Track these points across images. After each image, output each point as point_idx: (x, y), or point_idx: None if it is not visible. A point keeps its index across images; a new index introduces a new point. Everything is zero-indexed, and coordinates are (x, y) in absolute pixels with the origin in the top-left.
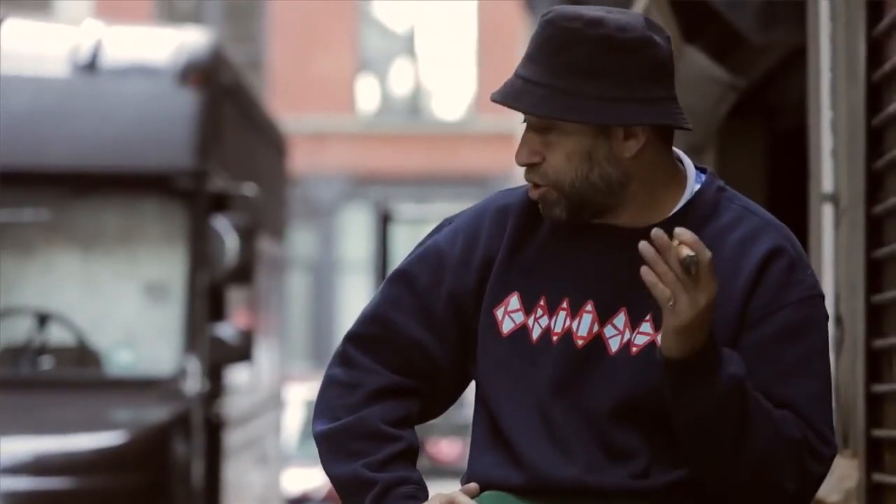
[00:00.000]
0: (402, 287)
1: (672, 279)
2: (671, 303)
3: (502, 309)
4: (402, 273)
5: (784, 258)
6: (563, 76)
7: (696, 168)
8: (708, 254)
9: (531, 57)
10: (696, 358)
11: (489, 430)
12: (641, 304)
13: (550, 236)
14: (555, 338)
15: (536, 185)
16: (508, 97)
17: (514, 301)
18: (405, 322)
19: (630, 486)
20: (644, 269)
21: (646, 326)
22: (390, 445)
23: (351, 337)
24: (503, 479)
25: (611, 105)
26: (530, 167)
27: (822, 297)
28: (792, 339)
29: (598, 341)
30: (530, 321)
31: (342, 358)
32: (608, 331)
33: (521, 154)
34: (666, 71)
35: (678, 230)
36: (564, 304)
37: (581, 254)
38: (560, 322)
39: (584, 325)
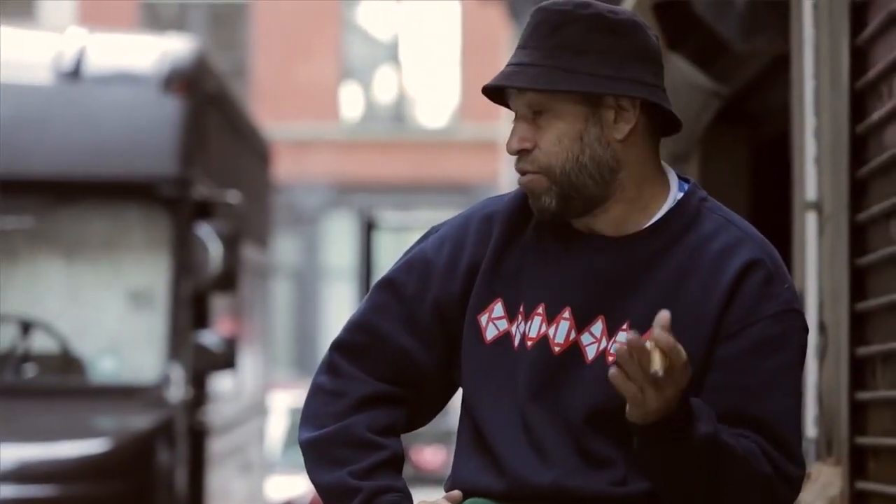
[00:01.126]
0: (388, 295)
1: (640, 378)
2: (638, 397)
3: (486, 315)
4: (388, 281)
5: (761, 271)
6: (555, 55)
7: (679, 178)
8: (683, 356)
9: (522, 45)
10: (664, 423)
11: (472, 437)
12: (619, 313)
13: (534, 243)
14: (529, 343)
15: (525, 174)
16: (499, 79)
17: (498, 308)
18: (392, 330)
19: (609, 492)
20: (612, 372)
21: (623, 336)
22: (376, 453)
23: (337, 345)
24: (485, 486)
25: (603, 80)
26: (521, 155)
27: (798, 311)
28: (766, 353)
29: (575, 349)
30: (513, 328)
31: (328, 366)
32: (585, 338)
33: (511, 142)
34: (656, 60)
35: (656, 334)
36: (540, 310)
37: (561, 260)
38: (535, 328)
39: (562, 331)
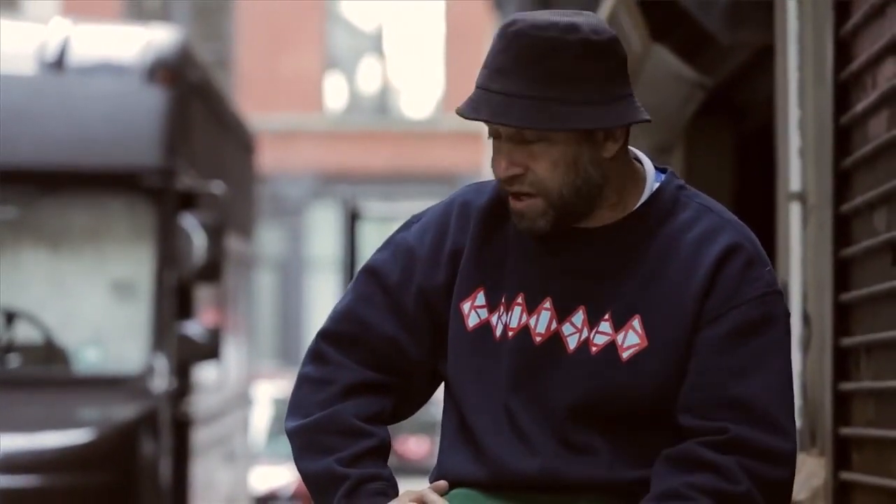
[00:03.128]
0: (373, 284)
1: None
2: None
3: (469, 303)
4: (372, 270)
5: (741, 255)
6: (547, 85)
7: (657, 168)
8: None
9: (504, 70)
10: None
11: (456, 425)
12: (600, 303)
13: (514, 234)
14: (510, 333)
15: (519, 197)
16: (496, 115)
17: (480, 297)
18: (377, 318)
19: (594, 477)
20: None
21: (605, 326)
22: (362, 441)
23: (323, 334)
24: (471, 475)
25: (597, 109)
26: (513, 179)
27: (779, 293)
28: (748, 335)
29: (556, 339)
30: (494, 318)
31: (314, 355)
32: (566, 329)
33: (500, 166)
34: (626, 66)
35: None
36: (520, 300)
37: (541, 252)
38: (515, 317)
39: (543, 322)
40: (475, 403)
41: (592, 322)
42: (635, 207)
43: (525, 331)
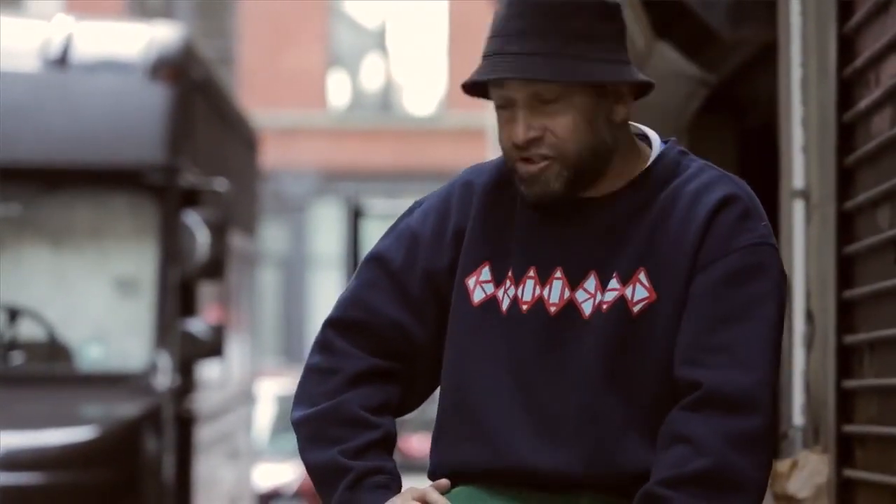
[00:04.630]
0: (378, 270)
1: None
2: None
3: (474, 279)
4: (377, 255)
5: (737, 206)
6: (566, 43)
7: (661, 140)
8: None
9: (520, 32)
10: None
11: (454, 408)
12: (609, 265)
13: (518, 207)
14: (524, 307)
15: (534, 161)
16: (519, 71)
17: (485, 272)
18: (383, 304)
19: (605, 473)
20: None
21: (613, 283)
22: (367, 433)
23: (330, 322)
24: (473, 460)
25: (612, 66)
26: (531, 143)
27: (773, 247)
28: (738, 283)
29: (570, 307)
30: (500, 293)
31: (321, 344)
32: (580, 295)
33: (518, 131)
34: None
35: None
36: (531, 273)
37: (548, 223)
38: (528, 291)
39: (556, 291)
40: (482, 384)
41: (604, 285)
42: (637, 174)
43: (539, 303)
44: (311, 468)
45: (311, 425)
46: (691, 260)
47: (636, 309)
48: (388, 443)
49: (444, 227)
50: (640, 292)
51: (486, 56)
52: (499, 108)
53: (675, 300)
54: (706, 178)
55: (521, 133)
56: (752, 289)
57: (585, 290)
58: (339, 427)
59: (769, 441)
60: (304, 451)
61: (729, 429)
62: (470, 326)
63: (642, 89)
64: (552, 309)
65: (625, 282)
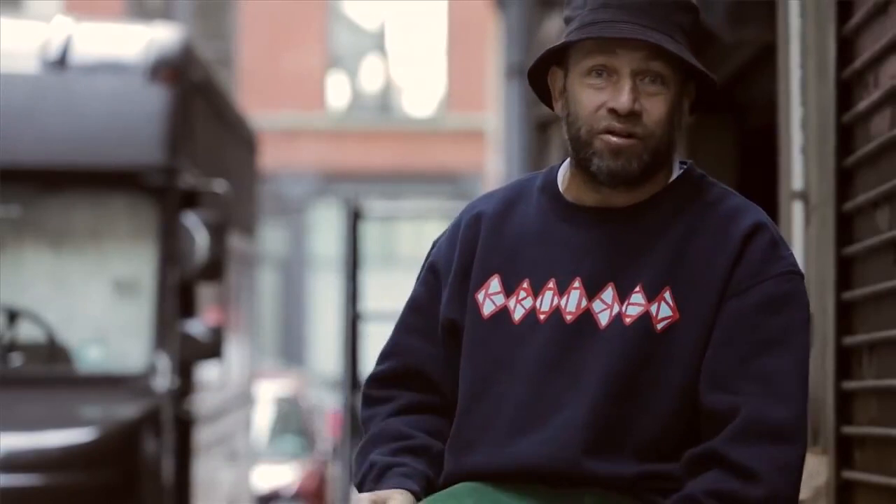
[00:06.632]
0: (411, 313)
1: None
2: None
3: (483, 292)
4: (410, 301)
5: (767, 234)
6: (675, 31)
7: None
8: None
9: (630, 9)
10: None
11: (468, 414)
12: (630, 277)
13: (529, 221)
14: (542, 317)
15: (620, 134)
16: (652, 38)
17: (494, 283)
18: (419, 341)
19: (619, 473)
20: None
21: (637, 297)
22: (403, 441)
23: (370, 379)
24: (485, 467)
25: (696, 60)
26: (629, 116)
27: (802, 275)
28: (773, 310)
29: (587, 316)
30: (511, 303)
31: (363, 400)
32: (597, 305)
33: (626, 99)
34: None
35: None
36: (551, 284)
37: (567, 235)
38: (547, 301)
39: (573, 301)
40: (495, 391)
41: (623, 296)
42: (661, 189)
43: (556, 312)
44: (356, 477)
45: (361, 450)
46: (721, 284)
47: (660, 326)
48: (424, 450)
49: (453, 256)
50: (664, 310)
51: (594, 22)
52: (592, 73)
53: (700, 322)
54: (733, 204)
55: (628, 101)
56: (785, 317)
57: (602, 301)
58: (381, 441)
59: (803, 465)
60: (354, 476)
61: (775, 458)
62: (482, 339)
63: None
64: (568, 318)
65: (650, 299)
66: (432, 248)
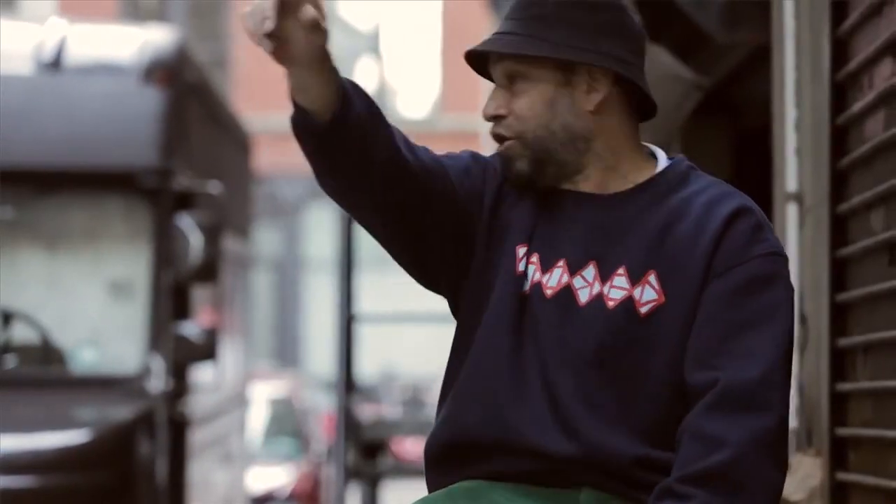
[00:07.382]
0: (451, 157)
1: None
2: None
3: (523, 249)
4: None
5: (750, 218)
6: (532, 26)
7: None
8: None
9: (507, 17)
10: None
11: (467, 373)
12: (612, 259)
13: (521, 200)
14: (527, 289)
15: (501, 139)
16: (483, 45)
17: (523, 249)
18: (442, 162)
19: (614, 451)
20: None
21: (620, 280)
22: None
23: None
24: (477, 434)
25: (575, 50)
26: (496, 121)
27: (785, 258)
28: (755, 291)
29: (566, 292)
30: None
31: None
32: (577, 282)
33: (488, 107)
34: (635, 39)
35: None
36: (534, 259)
37: (554, 214)
38: (530, 274)
39: (555, 277)
40: (494, 352)
41: (605, 276)
42: (645, 179)
43: (538, 287)
44: None
45: None
46: (704, 265)
47: (644, 310)
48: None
49: (486, 177)
50: (648, 294)
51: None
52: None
53: (684, 304)
54: (717, 191)
55: (487, 108)
56: (767, 297)
57: (583, 278)
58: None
59: (783, 441)
60: None
61: (746, 426)
62: (506, 293)
63: (635, 92)
64: (548, 292)
65: (634, 282)
66: (476, 156)
